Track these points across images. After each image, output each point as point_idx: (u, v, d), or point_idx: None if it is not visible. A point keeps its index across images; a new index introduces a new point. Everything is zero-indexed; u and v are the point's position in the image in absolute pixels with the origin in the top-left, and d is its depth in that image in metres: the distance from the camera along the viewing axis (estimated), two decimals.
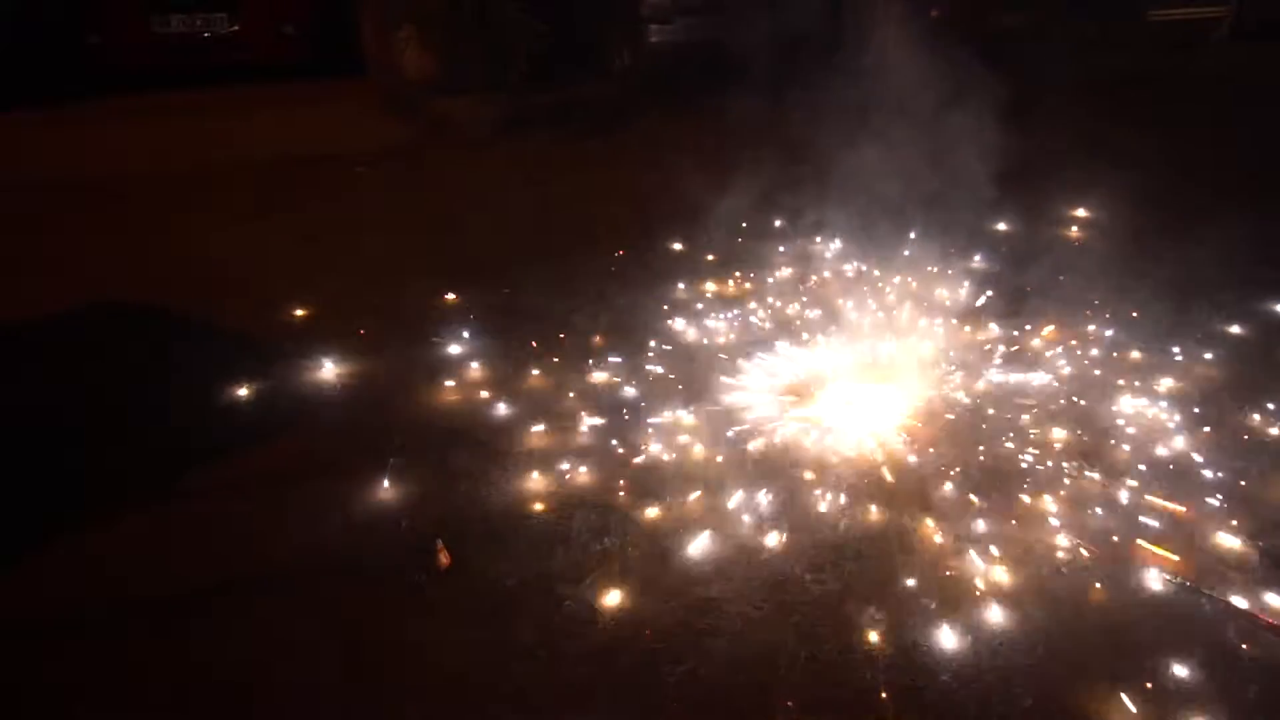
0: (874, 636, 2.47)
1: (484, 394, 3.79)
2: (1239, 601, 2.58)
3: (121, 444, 3.49)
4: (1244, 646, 2.44)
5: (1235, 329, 4.23)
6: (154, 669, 2.46)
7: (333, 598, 2.69)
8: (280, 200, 6.34)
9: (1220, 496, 3.02)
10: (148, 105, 9.01)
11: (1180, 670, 2.36)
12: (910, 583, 2.66)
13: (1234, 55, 10.55)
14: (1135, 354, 3.97)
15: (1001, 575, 2.70)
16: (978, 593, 2.63)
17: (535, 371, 3.94)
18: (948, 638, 2.47)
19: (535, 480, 3.19)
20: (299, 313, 4.57)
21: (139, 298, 4.75)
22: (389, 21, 8.49)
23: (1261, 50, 10.45)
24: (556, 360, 4.04)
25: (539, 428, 3.50)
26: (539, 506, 3.06)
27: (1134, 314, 4.26)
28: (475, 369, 3.98)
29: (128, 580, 2.80)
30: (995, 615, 2.54)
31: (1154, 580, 2.66)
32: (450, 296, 4.69)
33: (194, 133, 8.08)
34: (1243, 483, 3.10)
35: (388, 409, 3.70)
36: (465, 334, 4.26)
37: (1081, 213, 5.74)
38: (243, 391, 3.81)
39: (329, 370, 4.00)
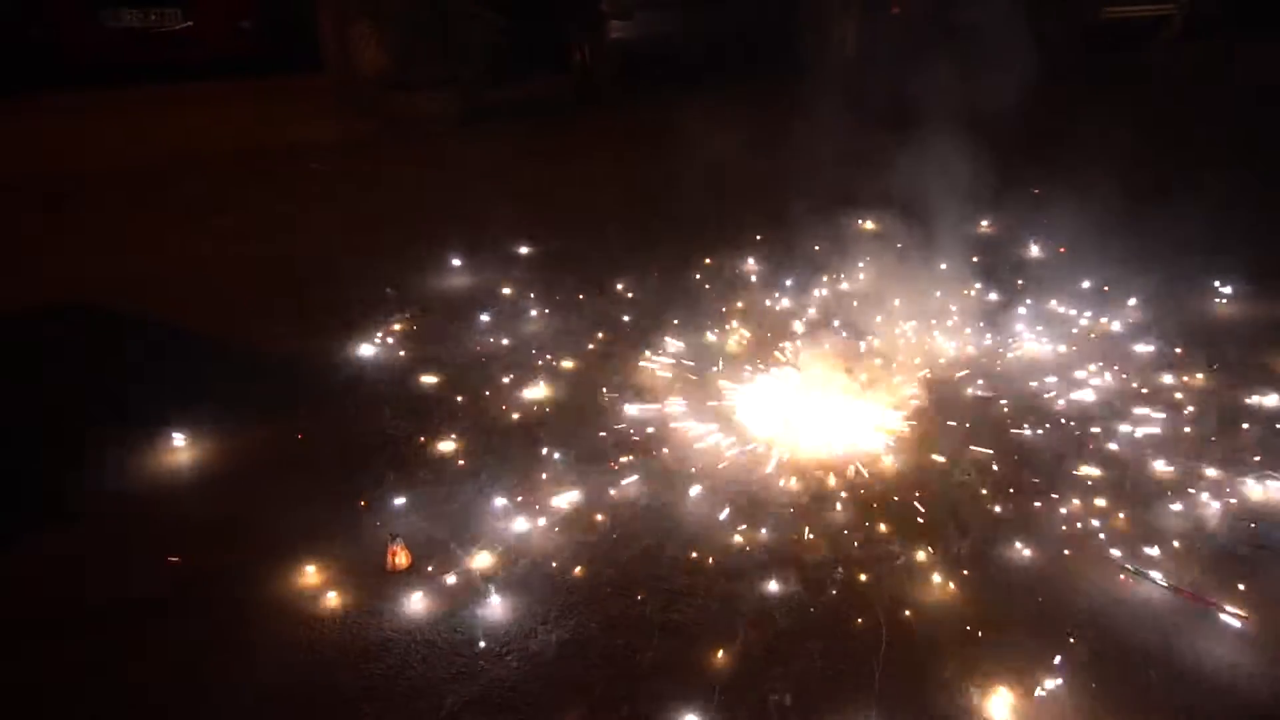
0: None
1: (457, 390, 3.77)
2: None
3: (62, 445, 3.40)
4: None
5: None
6: (107, 671, 2.41)
7: (296, 594, 2.66)
8: (235, 198, 6.24)
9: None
10: (97, 101, 8.81)
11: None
12: None
13: (1184, 51, 10.78)
14: None
15: None
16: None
17: (503, 364, 3.93)
18: None
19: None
20: (254, 312, 4.49)
21: (93, 298, 4.64)
22: (346, 16, 8.39)
23: (1210, 47, 10.69)
24: (531, 356, 4.02)
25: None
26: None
27: None
28: (432, 364, 3.95)
29: (83, 580, 2.74)
30: None
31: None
32: (406, 290, 4.65)
33: (147, 129, 7.93)
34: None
35: (345, 406, 3.66)
36: (422, 328, 4.22)
37: None
38: (200, 391, 3.74)
39: (284, 370, 3.94)
